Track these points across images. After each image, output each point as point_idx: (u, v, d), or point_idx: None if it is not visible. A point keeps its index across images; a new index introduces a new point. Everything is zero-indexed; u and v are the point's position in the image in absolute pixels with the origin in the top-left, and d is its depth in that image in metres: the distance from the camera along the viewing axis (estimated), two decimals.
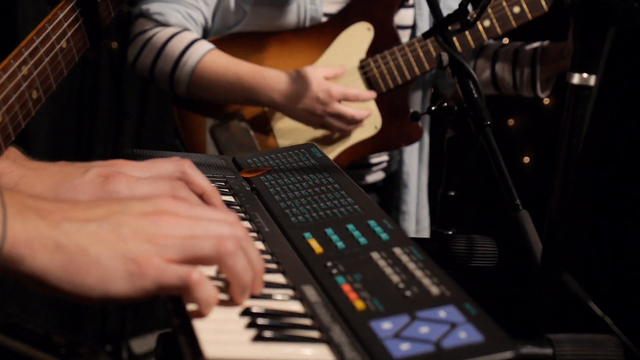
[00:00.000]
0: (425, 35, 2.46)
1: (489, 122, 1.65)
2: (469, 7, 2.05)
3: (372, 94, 2.47)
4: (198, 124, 2.47)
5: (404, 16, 2.56)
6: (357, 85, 2.47)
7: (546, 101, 3.96)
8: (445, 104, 1.91)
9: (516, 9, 2.46)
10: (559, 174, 1.20)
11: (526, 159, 4.16)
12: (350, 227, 1.29)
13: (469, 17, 2.28)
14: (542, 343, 1.12)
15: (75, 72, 4.31)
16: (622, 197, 3.98)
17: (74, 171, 1.34)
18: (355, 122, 2.45)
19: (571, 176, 1.20)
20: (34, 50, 1.27)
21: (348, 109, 2.41)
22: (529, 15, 2.48)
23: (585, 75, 1.17)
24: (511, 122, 4.18)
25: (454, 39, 2.14)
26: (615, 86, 3.62)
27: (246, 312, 1.07)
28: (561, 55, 2.50)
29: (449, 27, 1.95)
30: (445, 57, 1.77)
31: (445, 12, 2.09)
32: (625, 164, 3.90)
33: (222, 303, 1.10)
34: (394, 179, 2.73)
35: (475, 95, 1.66)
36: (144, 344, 4.48)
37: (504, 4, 2.46)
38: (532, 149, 4.16)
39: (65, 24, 1.32)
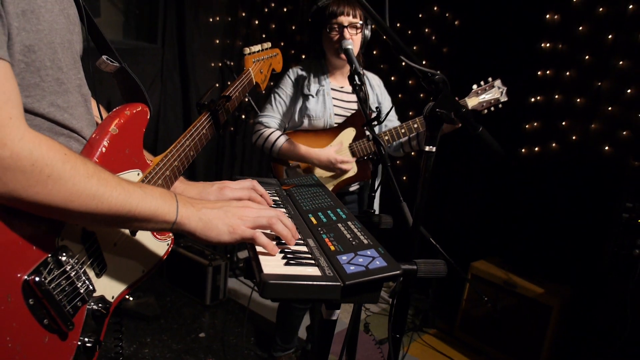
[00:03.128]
0: (363, 125, 2.45)
1: (389, 164, 1.62)
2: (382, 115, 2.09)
3: (354, 160, 2.45)
4: (280, 168, 2.45)
5: None
6: (347, 154, 2.45)
7: (413, 154, 3.94)
8: (371, 156, 1.90)
9: (415, 125, 2.41)
10: (420, 187, 1.17)
11: (404, 178, 4.11)
12: (329, 212, 1.26)
13: (381, 119, 2.28)
14: (412, 263, 1.09)
15: (214, 141, 4.32)
16: (449, 193, 3.94)
17: (207, 186, 1.31)
18: (347, 171, 2.43)
19: (426, 187, 1.17)
20: (192, 135, 1.25)
21: (344, 166, 2.39)
22: (421, 128, 2.43)
23: (431, 147, 1.15)
24: (398, 162, 4.13)
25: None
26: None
27: (282, 251, 1.04)
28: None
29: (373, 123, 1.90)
30: (370, 136, 1.74)
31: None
32: (449, 180, 3.87)
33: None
34: (364, 191, 2.68)
35: (383, 152, 1.62)
36: (243, 254, 4.42)
37: (410, 122, 2.41)
38: (407, 174, 4.11)
39: (205, 122, 1.30)
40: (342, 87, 2.51)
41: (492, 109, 2.50)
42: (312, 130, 2.47)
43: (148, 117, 1.14)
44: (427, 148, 1.16)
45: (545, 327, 2.96)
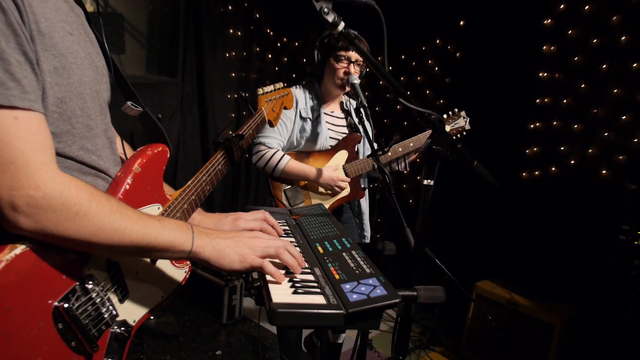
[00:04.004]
0: (369, 156, 2.48)
1: (394, 192, 1.62)
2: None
3: (349, 179, 2.45)
4: (279, 187, 2.41)
5: (359, 148, 2.56)
6: (342, 175, 2.46)
7: (418, 178, 3.93)
8: (376, 184, 1.91)
9: (399, 149, 2.48)
10: (420, 217, 1.18)
11: (410, 201, 4.11)
12: (335, 241, 1.27)
13: (385, 149, 2.30)
14: (412, 290, 1.10)
15: (229, 174, 4.37)
16: (453, 215, 3.93)
17: (222, 217, 1.33)
18: (343, 189, 2.42)
19: (425, 218, 1.18)
20: (208, 170, 1.27)
21: (342, 184, 2.40)
22: (405, 152, 2.51)
23: (429, 180, 1.16)
24: (405, 185, 4.13)
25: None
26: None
27: (290, 280, 1.06)
28: (415, 153, 2.54)
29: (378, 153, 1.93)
30: (375, 165, 1.75)
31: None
32: (454, 203, 3.88)
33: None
34: (359, 210, 2.69)
35: (388, 180, 1.63)
36: (255, 274, 4.41)
37: (395, 146, 2.48)
38: (412, 197, 4.11)
39: (221, 159, 1.32)
40: (332, 112, 2.55)
41: (459, 136, 2.68)
42: (309, 151, 2.48)
43: (168, 156, 1.18)
44: (425, 182, 1.18)
45: (548, 345, 2.92)
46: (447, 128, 2.63)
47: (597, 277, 2.80)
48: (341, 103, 2.58)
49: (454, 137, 2.59)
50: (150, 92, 3.61)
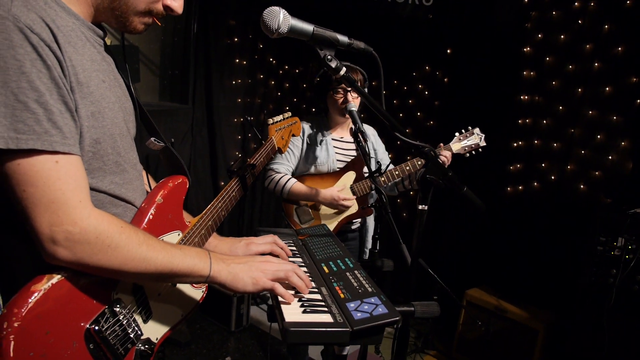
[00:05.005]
0: (366, 177, 2.50)
1: (389, 211, 1.63)
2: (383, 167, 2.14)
3: (354, 198, 2.45)
4: (290, 207, 2.46)
5: (365, 169, 2.55)
6: (348, 194, 2.46)
7: (412, 193, 3.96)
8: (375, 204, 1.92)
9: (407, 168, 2.46)
10: (415, 240, 1.18)
11: (404, 214, 4.12)
12: (339, 261, 1.28)
13: (382, 170, 2.31)
14: (409, 305, 1.11)
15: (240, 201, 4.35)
16: (445, 228, 3.94)
17: (236, 241, 1.34)
18: (348, 208, 2.44)
19: (420, 234, 1.18)
20: (223, 198, 1.29)
21: (346, 203, 2.40)
22: (412, 170, 2.47)
23: (424, 205, 1.17)
24: (399, 200, 4.14)
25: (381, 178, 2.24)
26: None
27: (300, 300, 1.07)
28: (416, 175, 2.53)
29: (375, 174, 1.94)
30: (373, 186, 1.77)
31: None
32: (445, 217, 3.88)
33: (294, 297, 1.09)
34: (364, 228, 2.68)
35: (384, 200, 1.64)
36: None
37: (403, 165, 2.46)
38: (406, 211, 4.12)
39: (235, 186, 1.34)
40: (342, 137, 2.57)
41: (474, 152, 2.56)
42: (318, 174, 2.51)
43: (187, 187, 1.21)
44: (420, 207, 1.19)
45: (533, 348, 2.93)
46: (458, 146, 2.50)
47: (575, 285, 2.81)
48: (351, 129, 2.61)
49: (468, 155, 2.57)
50: (163, 117, 3.65)
